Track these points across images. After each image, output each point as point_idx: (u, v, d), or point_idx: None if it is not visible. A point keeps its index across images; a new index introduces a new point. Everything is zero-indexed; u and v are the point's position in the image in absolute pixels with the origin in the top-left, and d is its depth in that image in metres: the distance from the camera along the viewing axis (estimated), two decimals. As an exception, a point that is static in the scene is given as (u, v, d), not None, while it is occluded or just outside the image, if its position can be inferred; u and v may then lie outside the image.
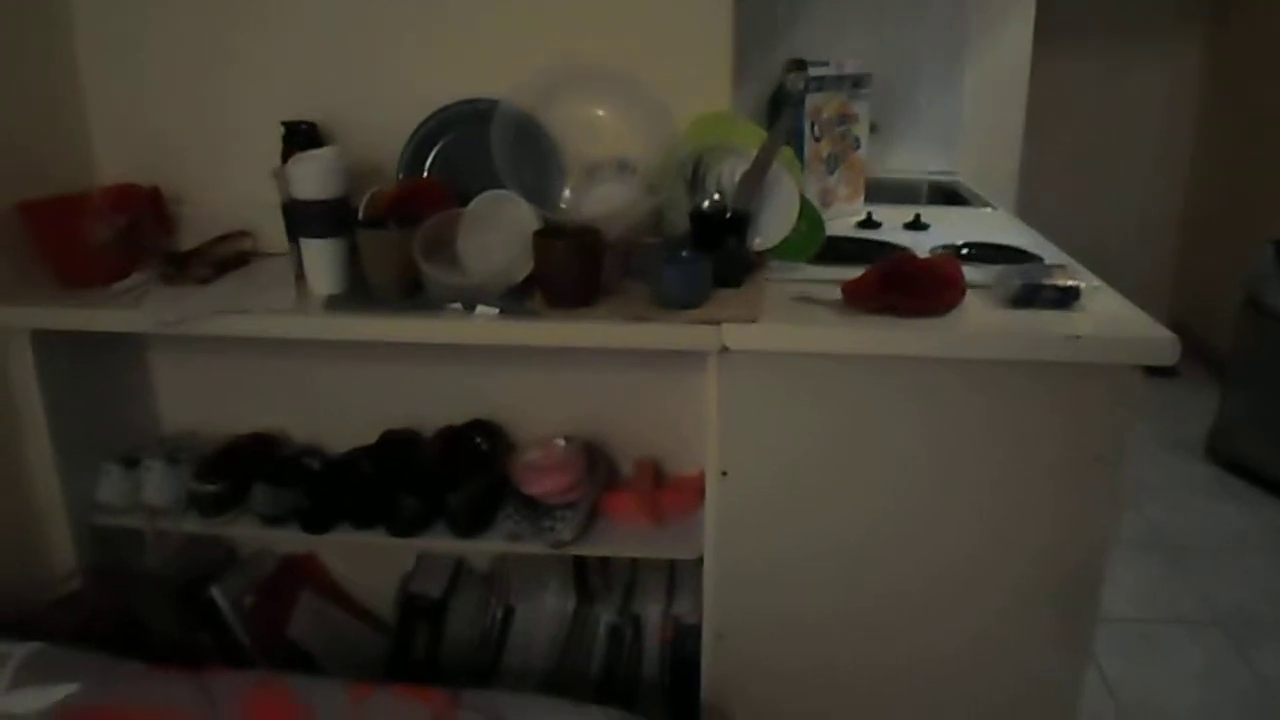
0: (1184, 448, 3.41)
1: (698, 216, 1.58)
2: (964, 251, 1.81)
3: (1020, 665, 1.58)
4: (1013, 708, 1.61)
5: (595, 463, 1.77)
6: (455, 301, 1.50)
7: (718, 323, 1.43)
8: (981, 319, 1.46)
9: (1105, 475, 1.44)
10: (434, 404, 1.86)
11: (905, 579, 1.55)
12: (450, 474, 1.70)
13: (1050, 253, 1.80)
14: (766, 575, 1.58)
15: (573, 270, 1.49)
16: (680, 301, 1.48)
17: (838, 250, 1.76)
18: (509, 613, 1.83)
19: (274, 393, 1.92)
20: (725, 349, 1.44)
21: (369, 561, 2.01)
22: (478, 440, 1.79)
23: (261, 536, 1.83)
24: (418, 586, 1.89)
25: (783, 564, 1.57)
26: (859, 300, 1.48)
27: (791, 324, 1.45)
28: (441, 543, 1.70)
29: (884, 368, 1.44)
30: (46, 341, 1.62)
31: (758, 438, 1.50)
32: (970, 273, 1.51)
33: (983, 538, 1.51)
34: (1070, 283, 1.47)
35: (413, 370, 1.84)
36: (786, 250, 1.66)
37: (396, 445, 1.83)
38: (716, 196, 1.59)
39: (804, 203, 1.64)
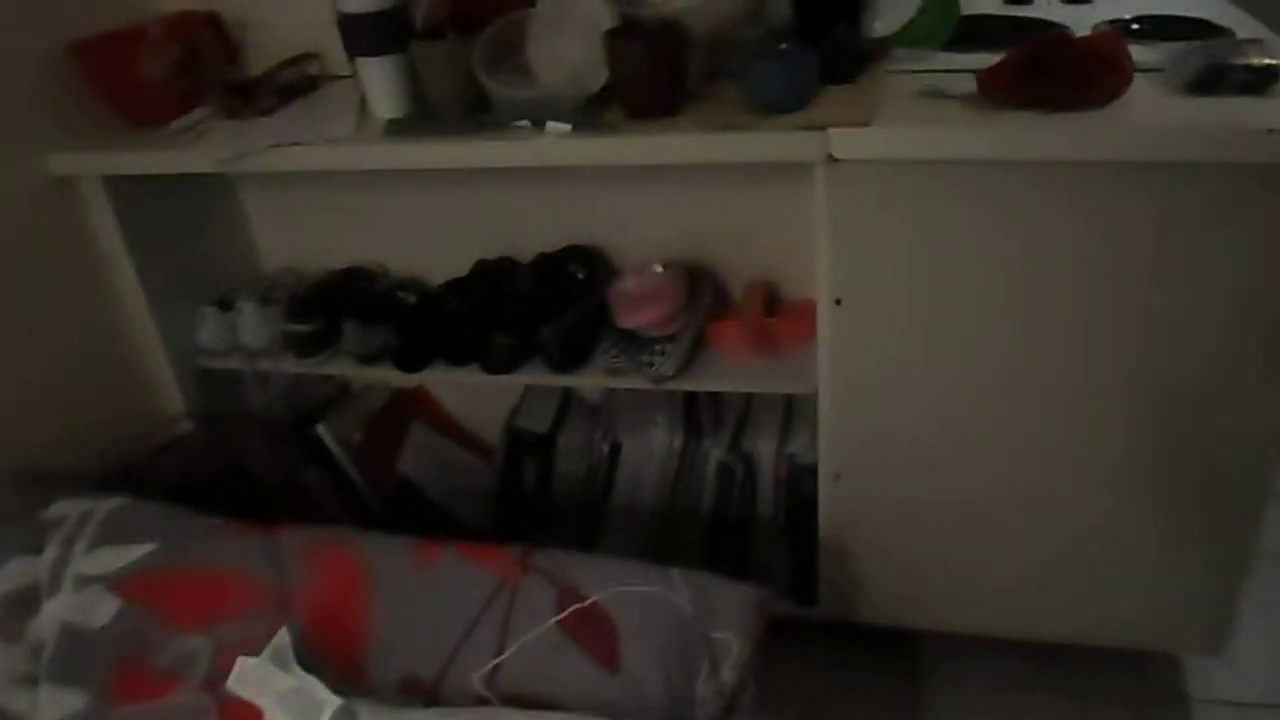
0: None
1: (800, 0, 1.34)
2: (1135, 28, 1.49)
3: (1170, 517, 1.39)
4: (1186, 548, 1.43)
5: (699, 289, 1.61)
6: (524, 119, 1.33)
7: (823, 127, 1.22)
8: (1153, 110, 1.18)
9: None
10: (529, 229, 1.72)
11: (1043, 417, 1.36)
12: (545, 306, 1.58)
13: (1243, 25, 1.45)
14: (886, 411, 1.42)
15: (652, 74, 1.29)
16: (778, 104, 1.27)
17: (978, 32, 1.48)
18: (616, 448, 1.74)
19: (369, 224, 1.82)
20: (833, 159, 1.23)
21: (477, 394, 1.95)
22: (572, 269, 1.65)
23: (360, 375, 1.78)
24: (524, 421, 1.82)
25: (904, 400, 1.40)
26: (999, 92, 1.23)
27: (913, 125, 1.22)
28: (538, 378, 1.60)
29: (1029, 175, 1.20)
30: (122, 186, 1.55)
31: (876, 261, 1.31)
32: (1140, 53, 1.22)
33: (1138, 375, 1.29)
34: (1268, 61, 1.17)
35: (507, 193, 1.69)
36: (912, 35, 1.39)
37: (490, 276, 1.72)
38: (825, -27, 1.34)
39: (933, -26, 1.36)
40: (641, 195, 1.64)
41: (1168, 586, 1.47)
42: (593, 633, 1.03)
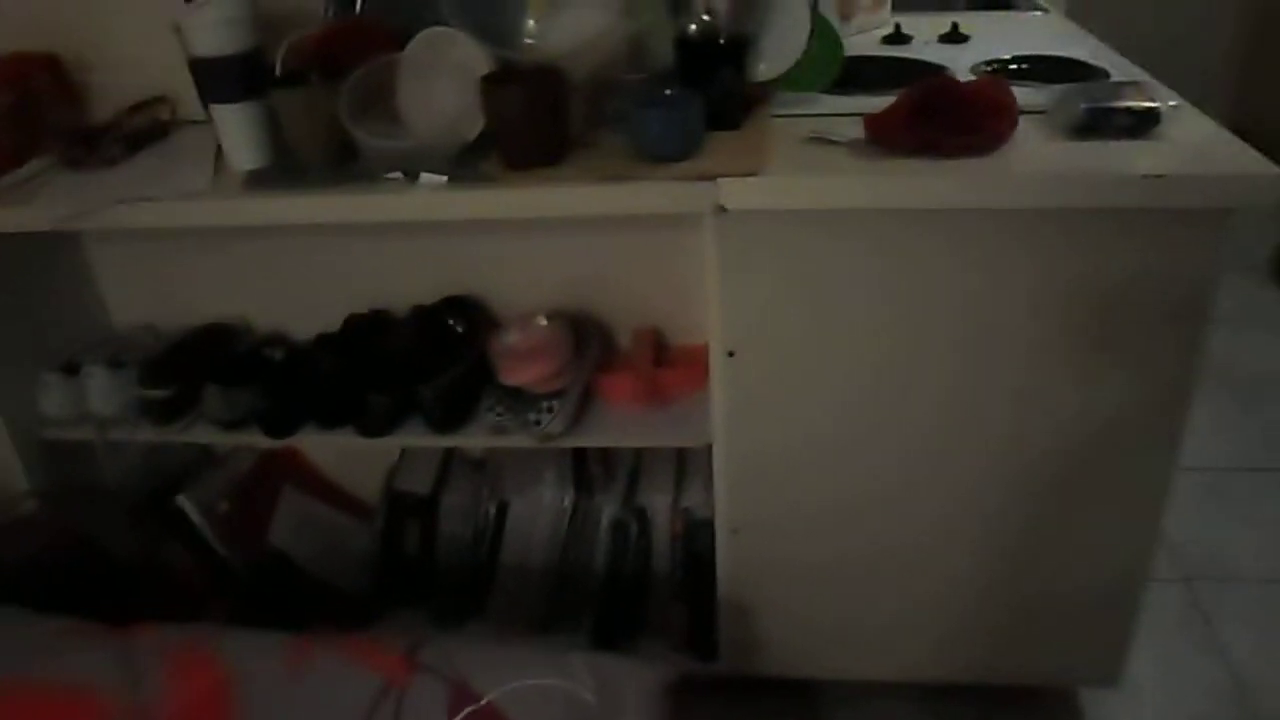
0: (1251, 270, 3.10)
1: (684, 44, 1.30)
2: (1013, 68, 1.51)
3: (1081, 547, 1.39)
4: (1073, 589, 1.43)
5: (586, 340, 1.55)
6: (395, 170, 1.25)
7: (712, 178, 1.18)
8: (1039, 155, 1.18)
9: (1184, 340, 1.20)
10: (404, 280, 1.62)
11: (944, 462, 1.35)
12: (423, 362, 1.49)
13: (1118, 66, 1.49)
14: (784, 463, 1.38)
15: (531, 121, 1.23)
16: (665, 153, 1.22)
17: (860, 75, 1.47)
18: (503, 507, 1.66)
19: (230, 277, 1.69)
20: (722, 209, 1.19)
21: (353, 454, 1.84)
22: (451, 321, 1.57)
23: (225, 440, 1.65)
24: (404, 482, 1.72)
25: (802, 450, 1.37)
26: (887, 138, 1.21)
27: (803, 174, 1.19)
28: (418, 438, 1.50)
29: (918, 223, 1.19)
30: (-50, 244, 1.40)
31: (768, 311, 1.27)
32: (1022, 95, 1.23)
33: (1033, 418, 1.29)
34: (1147, 104, 1.19)
35: (379, 244, 1.60)
36: (797, 79, 1.37)
37: (363, 331, 1.62)
38: (706, 18, 1.30)
39: (816, 17, 1.34)
40: (522, 243, 1.57)
41: (1062, 620, 1.47)
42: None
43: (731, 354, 1.30)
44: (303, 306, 1.68)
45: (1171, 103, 1.24)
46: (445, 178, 1.23)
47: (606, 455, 1.67)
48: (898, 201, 1.17)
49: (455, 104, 1.26)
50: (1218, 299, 1.17)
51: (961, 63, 1.51)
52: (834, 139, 1.25)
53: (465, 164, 1.25)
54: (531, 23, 1.38)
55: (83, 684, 1.00)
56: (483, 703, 0.96)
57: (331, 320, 1.63)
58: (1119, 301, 1.19)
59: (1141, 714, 1.63)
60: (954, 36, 1.67)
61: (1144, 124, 1.19)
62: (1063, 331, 1.23)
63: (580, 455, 1.66)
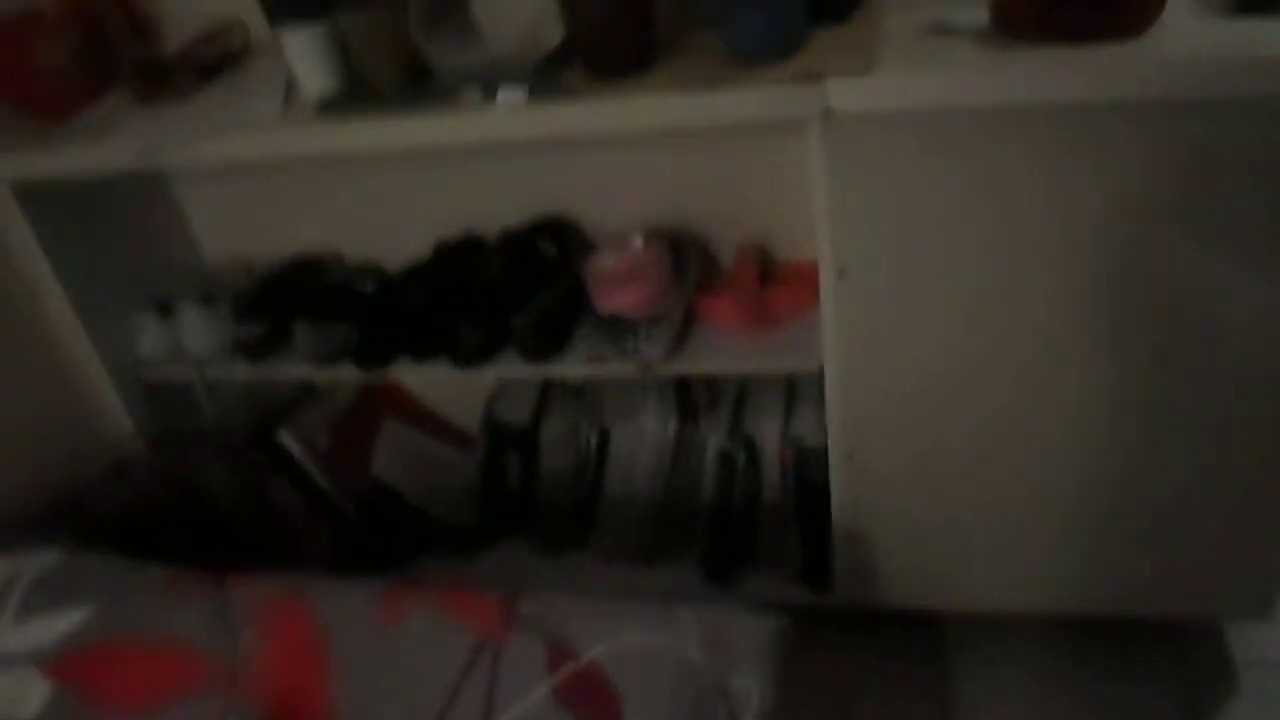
0: None
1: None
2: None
3: (1228, 470, 1.25)
4: (1218, 516, 1.30)
5: (685, 260, 1.46)
6: (472, 86, 1.16)
7: (819, 78, 1.05)
8: (1195, 37, 1.02)
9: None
10: (492, 203, 1.55)
11: (1065, 379, 1.22)
12: (515, 290, 1.43)
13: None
14: (900, 386, 1.28)
15: (616, 24, 1.12)
16: (762, 52, 1.10)
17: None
18: (605, 437, 1.59)
19: (317, 208, 1.65)
20: (830, 112, 1.07)
21: (452, 385, 1.80)
22: (542, 246, 1.49)
23: (317, 376, 1.62)
24: (503, 412, 1.67)
25: (919, 373, 1.26)
26: (1015, 23, 1.06)
27: (921, 71, 1.05)
28: (512, 369, 1.44)
29: (1052, 122, 1.04)
30: (34, 192, 1.38)
31: (883, 226, 1.15)
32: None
33: (1172, 330, 1.15)
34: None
35: (463, 166, 1.52)
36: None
37: (453, 259, 1.55)
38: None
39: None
40: (612, 158, 1.47)
41: (1209, 550, 1.35)
42: (592, 702, 0.89)
43: (843, 273, 1.19)
44: (392, 235, 1.62)
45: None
46: (524, 93, 1.13)
47: (711, 380, 1.59)
48: (1028, 97, 1.02)
49: (532, 10, 1.15)
50: None
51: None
52: (956, 28, 1.11)
53: (547, 76, 1.15)
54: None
55: (179, 638, 0.98)
56: (583, 662, 0.90)
57: (421, 247, 1.57)
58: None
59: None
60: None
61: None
62: (1218, 255, 1.08)
63: (683, 381, 1.58)
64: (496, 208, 1.55)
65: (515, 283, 1.44)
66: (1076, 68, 1.00)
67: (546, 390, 1.69)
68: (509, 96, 1.13)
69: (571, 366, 1.43)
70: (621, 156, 1.47)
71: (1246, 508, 1.29)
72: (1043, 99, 1.03)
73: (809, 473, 1.45)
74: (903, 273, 1.18)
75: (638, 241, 1.41)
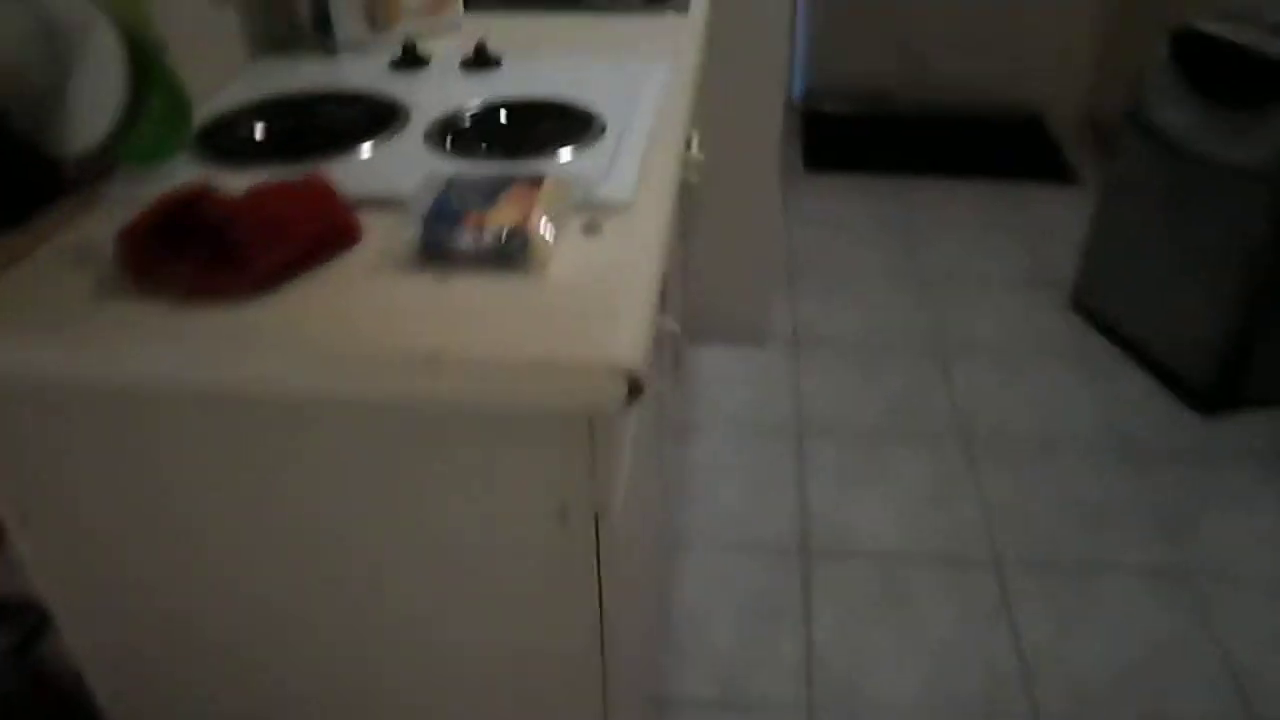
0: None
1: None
2: (493, 118, 1.13)
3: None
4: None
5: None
6: None
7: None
8: (342, 302, 0.82)
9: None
10: None
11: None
12: None
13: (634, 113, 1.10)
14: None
15: None
16: None
17: (282, 127, 1.11)
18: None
19: None
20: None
21: None
22: None
23: None
24: None
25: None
26: (136, 264, 0.85)
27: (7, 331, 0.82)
28: None
29: (159, 407, 0.82)
30: None
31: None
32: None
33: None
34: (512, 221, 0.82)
35: None
36: (137, 148, 1.00)
37: None
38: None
39: (146, 60, 0.96)
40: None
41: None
42: None
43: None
44: None
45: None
46: None
47: None
48: (110, 376, 0.80)
49: None
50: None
51: (424, 103, 1.13)
52: (97, 256, 0.88)
53: None
54: None
55: None
56: None
57: None
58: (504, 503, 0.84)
59: None
60: (480, 60, 1.27)
61: (511, 247, 0.81)
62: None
63: None
64: None
65: None
66: (185, 337, 0.78)
67: None
68: None
69: None
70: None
71: None
72: (125, 381, 0.80)
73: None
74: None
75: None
